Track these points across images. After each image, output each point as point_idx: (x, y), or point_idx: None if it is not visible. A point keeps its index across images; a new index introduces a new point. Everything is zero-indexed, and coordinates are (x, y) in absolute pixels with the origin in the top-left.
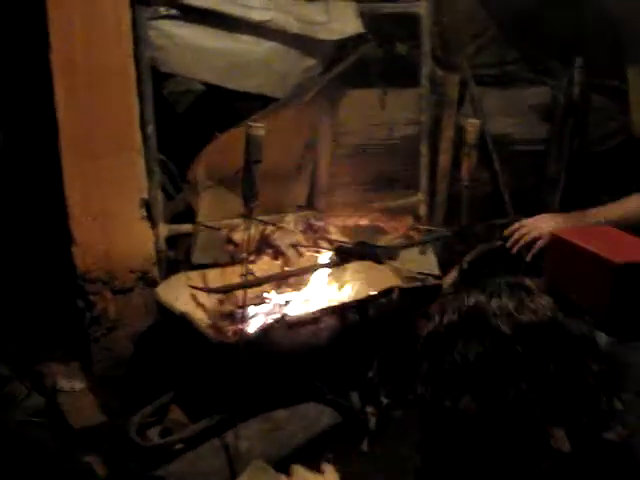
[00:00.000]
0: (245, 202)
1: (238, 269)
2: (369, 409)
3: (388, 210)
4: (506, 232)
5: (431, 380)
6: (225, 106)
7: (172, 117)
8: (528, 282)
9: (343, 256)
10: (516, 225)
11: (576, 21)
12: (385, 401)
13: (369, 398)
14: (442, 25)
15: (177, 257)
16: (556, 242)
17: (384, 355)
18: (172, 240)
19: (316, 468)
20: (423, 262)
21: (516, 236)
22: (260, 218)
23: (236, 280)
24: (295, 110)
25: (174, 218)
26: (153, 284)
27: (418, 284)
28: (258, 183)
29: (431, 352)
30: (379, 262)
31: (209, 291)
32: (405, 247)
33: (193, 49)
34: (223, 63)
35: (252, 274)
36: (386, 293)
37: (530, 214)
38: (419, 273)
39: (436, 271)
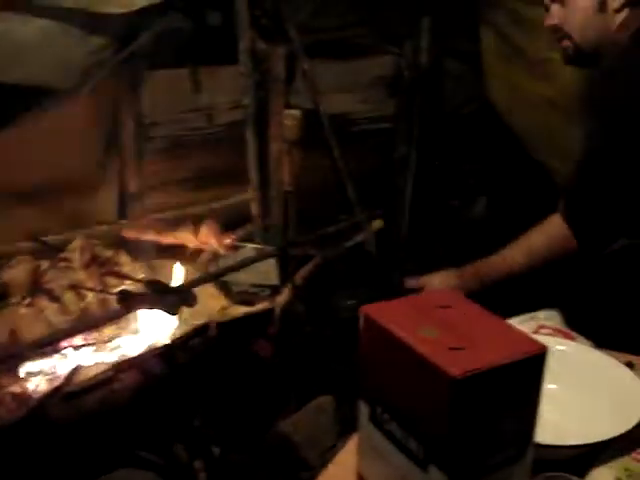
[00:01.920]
0: None
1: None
2: (197, 463)
3: (213, 212)
4: None
5: None
6: None
7: None
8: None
9: (128, 304)
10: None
11: None
12: (216, 450)
13: (197, 450)
14: None
15: None
16: (369, 326)
17: (212, 397)
18: None
19: None
20: (260, 270)
21: None
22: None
23: None
24: (85, 102)
25: None
26: None
27: (240, 313)
28: None
29: None
30: (172, 313)
31: None
32: (212, 280)
33: None
34: None
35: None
36: (199, 332)
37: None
38: (253, 286)
39: (274, 280)
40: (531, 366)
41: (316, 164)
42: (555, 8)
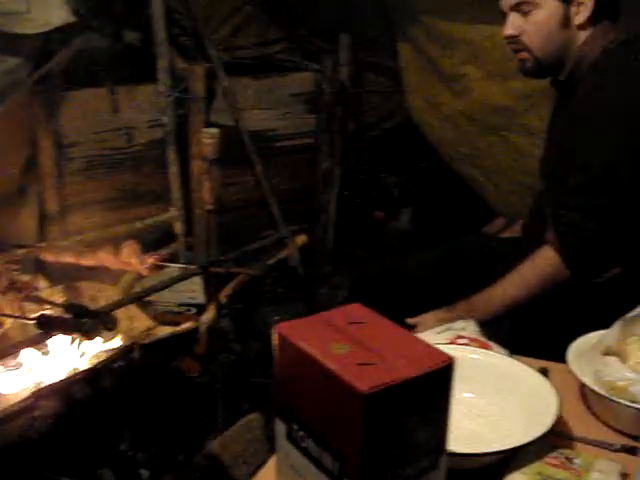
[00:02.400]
0: None
1: None
2: None
3: (136, 232)
4: None
5: None
6: None
7: None
8: None
9: (48, 328)
10: None
11: None
12: (145, 473)
13: (125, 474)
14: (187, 6)
15: None
16: (283, 343)
17: (139, 419)
18: None
19: None
20: (185, 289)
21: None
22: None
23: None
24: (1, 123)
25: None
26: None
27: (165, 333)
28: None
29: None
30: (91, 337)
31: None
32: (133, 302)
33: None
34: None
35: None
36: (123, 354)
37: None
38: (178, 305)
39: (200, 299)
40: (439, 378)
41: (239, 181)
42: (514, 18)
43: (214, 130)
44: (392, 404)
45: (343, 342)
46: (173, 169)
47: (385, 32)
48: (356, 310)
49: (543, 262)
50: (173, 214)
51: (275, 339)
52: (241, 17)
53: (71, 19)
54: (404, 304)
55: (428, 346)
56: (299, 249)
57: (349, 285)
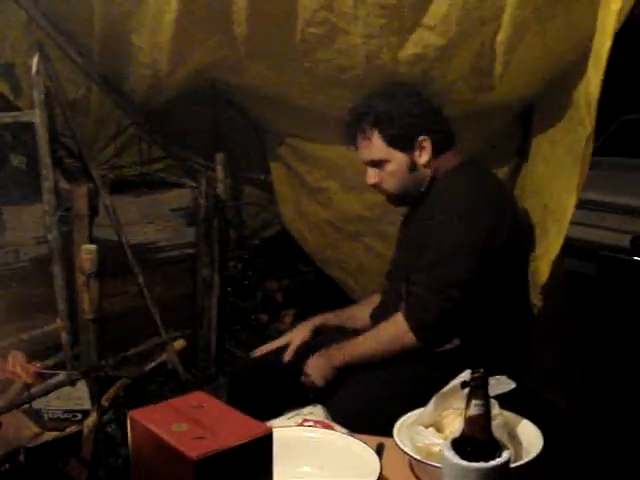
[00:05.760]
0: None
1: None
2: None
3: (23, 343)
4: None
5: None
6: None
7: None
8: None
9: None
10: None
11: (215, 120)
12: None
13: None
14: (72, 132)
15: None
16: (134, 426)
17: None
18: None
19: None
20: (71, 396)
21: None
22: None
23: None
24: None
25: None
26: None
27: (48, 439)
28: None
29: None
30: None
31: None
32: (17, 407)
33: None
34: None
35: None
36: (9, 457)
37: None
38: (65, 411)
39: (87, 404)
40: (260, 445)
41: (123, 291)
42: (372, 171)
43: (91, 247)
44: (220, 469)
45: (183, 422)
46: (59, 282)
47: (257, 149)
48: (197, 396)
49: (394, 324)
50: (59, 325)
51: (128, 423)
52: (125, 138)
53: None
54: (277, 394)
55: (253, 422)
56: (180, 353)
57: (228, 382)
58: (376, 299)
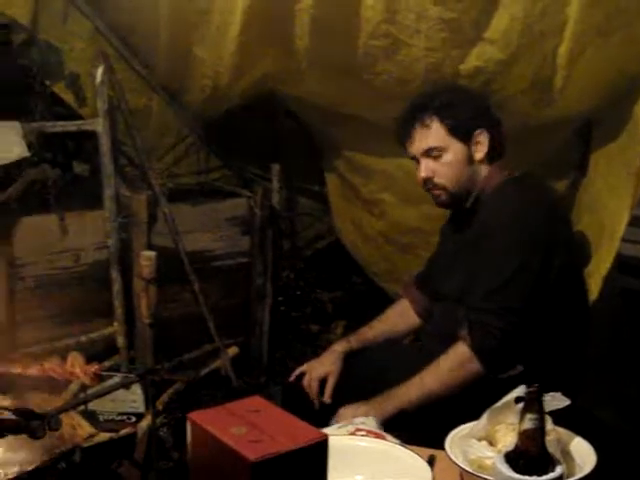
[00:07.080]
0: None
1: None
2: None
3: (81, 345)
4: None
5: None
6: None
7: None
8: None
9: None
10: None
11: (272, 131)
12: None
13: None
14: (133, 140)
15: None
16: (194, 429)
17: None
18: None
19: None
20: (126, 399)
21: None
22: None
23: None
24: None
25: None
26: None
27: (103, 440)
28: None
29: None
30: (36, 437)
31: None
32: (76, 406)
33: None
34: None
35: None
36: (65, 456)
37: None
38: (120, 414)
39: (141, 407)
40: (315, 451)
41: (178, 297)
42: (426, 162)
43: (150, 253)
44: (275, 472)
45: (242, 426)
46: (116, 287)
47: (312, 160)
48: (254, 401)
49: (455, 356)
50: (116, 328)
51: (188, 425)
52: (184, 147)
53: (26, 153)
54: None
55: (309, 427)
56: (233, 360)
57: (282, 392)
58: (404, 304)
